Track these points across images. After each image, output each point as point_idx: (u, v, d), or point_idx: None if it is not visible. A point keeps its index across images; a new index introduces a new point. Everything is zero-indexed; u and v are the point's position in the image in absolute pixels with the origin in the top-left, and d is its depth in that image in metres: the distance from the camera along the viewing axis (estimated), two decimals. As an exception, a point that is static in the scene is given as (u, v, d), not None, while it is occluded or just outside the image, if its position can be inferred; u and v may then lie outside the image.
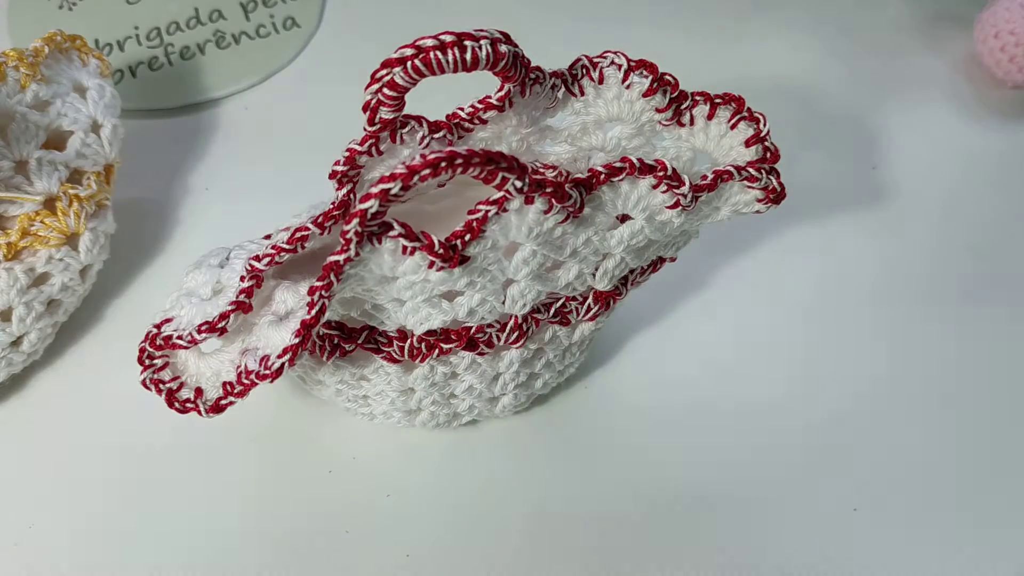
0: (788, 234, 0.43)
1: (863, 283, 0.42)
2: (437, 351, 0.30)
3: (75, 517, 0.35)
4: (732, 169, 0.29)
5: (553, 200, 0.26)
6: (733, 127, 0.31)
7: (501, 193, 0.26)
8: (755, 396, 0.38)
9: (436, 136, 0.29)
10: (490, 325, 0.30)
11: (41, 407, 0.38)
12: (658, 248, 0.32)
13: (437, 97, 0.32)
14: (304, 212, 0.32)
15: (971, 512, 0.36)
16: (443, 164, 0.23)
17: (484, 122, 0.30)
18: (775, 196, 0.30)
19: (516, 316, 0.30)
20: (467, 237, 0.26)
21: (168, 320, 0.30)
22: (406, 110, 0.28)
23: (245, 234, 0.33)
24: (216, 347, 0.30)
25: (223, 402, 0.29)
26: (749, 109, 0.31)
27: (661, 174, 0.28)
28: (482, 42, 0.25)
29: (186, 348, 0.30)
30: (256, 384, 0.28)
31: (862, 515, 0.36)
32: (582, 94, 0.31)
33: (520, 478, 0.36)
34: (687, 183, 0.28)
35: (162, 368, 0.30)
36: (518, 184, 0.25)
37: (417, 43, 0.25)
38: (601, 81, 0.31)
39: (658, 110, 0.31)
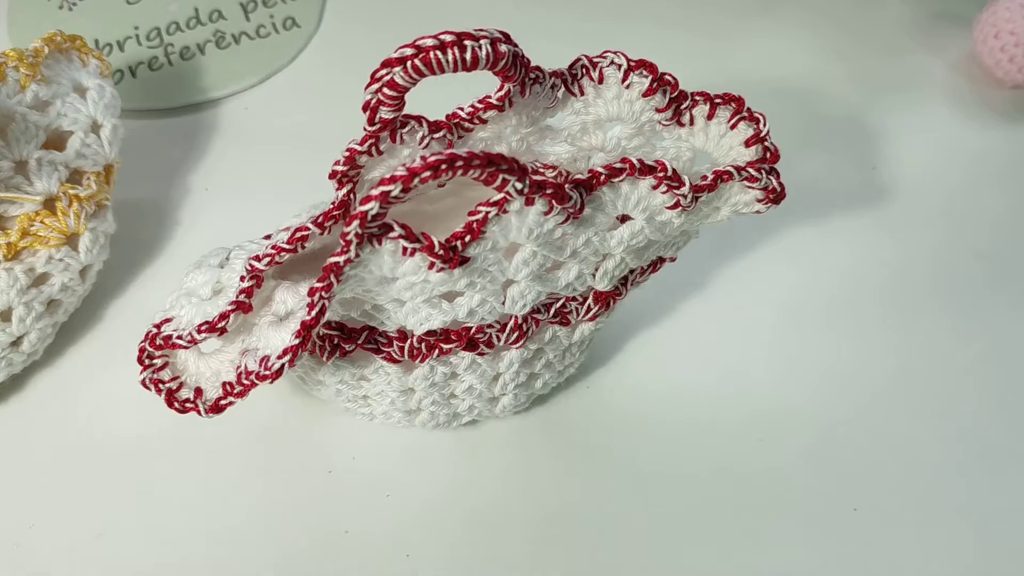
0: (788, 234, 0.43)
1: (863, 283, 0.42)
2: (437, 351, 0.30)
3: (75, 517, 0.35)
4: (732, 169, 0.29)
5: (553, 201, 0.26)
6: (733, 127, 0.31)
7: (501, 195, 0.26)
8: (754, 396, 0.38)
9: (436, 136, 0.29)
10: (490, 325, 0.30)
11: (41, 407, 0.38)
12: (658, 248, 0.32)
13: (437, 96, 0.32)
14: (304, 212, 0.32)
15: (972, 512, 0.36)
16: (443, 166, 0.23)
17: (484, 122, 0.30)
18: (775, 196, 0.30)
19: (516, 316, 0.30)
20: (467, 238, 0.26)
21: (168, 320, 0.30)
22: (406, 110, 0.28)
23: (245, 234, 0.33)
24: (216, 347, 0.30)
25: (223, 402, 0.29)
26: (749, 109, 0.31)
27: (661, 175, 0.28)
28: (482, 42, 0.25)
29: (186, 348, 0.30)
30: (256, 385, 0.28)
31: (862, 515, 0.36)
32: (582, 94, 0.31)
33: (520, 478, 0.36)
34: (687, 183, 0.28)
35: (162, 368, 0.30)
36: (518, 186, 0.25)
37: (417, 43, 0.25)
38: (601, 81, 0.31)
39: (658, 110, 0.31)
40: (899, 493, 0.36)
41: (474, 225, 0.26)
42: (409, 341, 0.30)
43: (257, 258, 0.28)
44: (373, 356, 0.31)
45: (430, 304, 0.28)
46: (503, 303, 0.29)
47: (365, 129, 0.28)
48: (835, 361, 0.39)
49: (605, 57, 0.30)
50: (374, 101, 0.27)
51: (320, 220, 0.29)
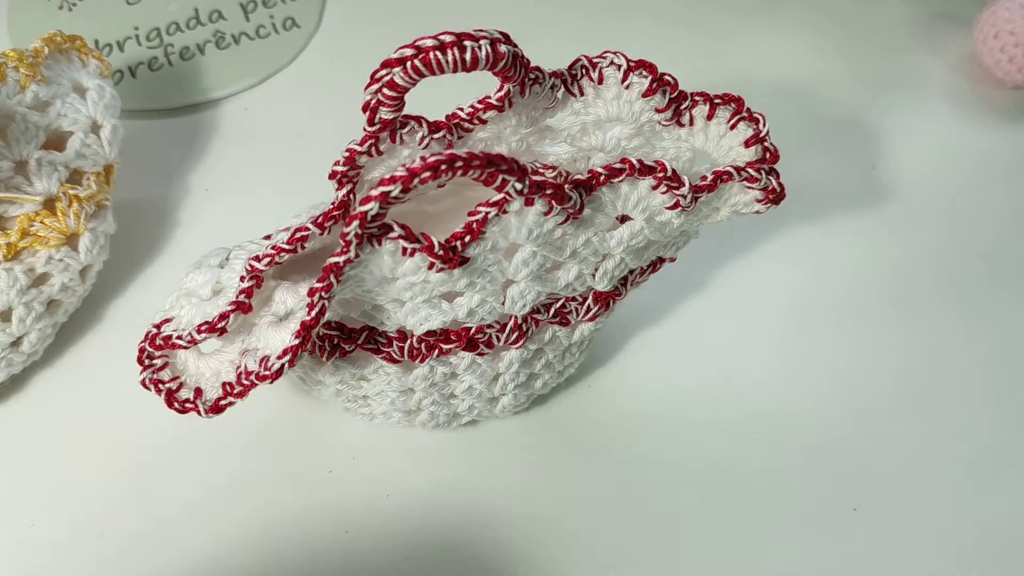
0: (788, 234, 0.43)
1: (863, 283, 0.42)
2: (437, 351, 0.30)
3: (75, 517, 0.35)
4: (732, 169, 0.29)
5: (553, 202, 0.26)
6: (733, 127, 0.31)
7: (501, 195, 0.26)
8: (754, 396, 0.38)
9: (436, 136, 0.29)
10: (490, 326, 0.30)
11: (41, 407, 0.38)
12: (658, 248, 0.32)
13: (437, 97, 0.32)
14: (304, 212, 0.32)
15: (972, 513, 0.36)
16: (443, 167, 0.23)
17: (484, 122, 0.30)
18: (775, 196, 0.30)
19: (516, 317, 0.30)
20: (467, 238, 0.26)
21: (168, 320, 0.30)
22: (406, 110, 0.28)
23: (245, 234, 0.33)
24: (216, 347, 0.30)
25: (222, 402, 0.29)
26: (748, 109, 0.31)
27: (661, 175, 0.28)
28: (482, 42, 0.25)
29: (186, 348, 0.30)
30: (256, 385, 0.28)
31: (862, 515, 0.36)
32: (581, 94, 0.31)
33: (519, 478, 0.36)
34: (687, 184, 0.28)
35: (162, 368, 0.30)
36: (518, 186, 0.25)
37: (417, 43, 0.25)
38: (600, 81, 0.31)
39: (658, 110, 0.31)
40: (899, 493, 0.36)
41: (474, 225, 0.26)
42: (409, 341, 0.30)
43: (257, 258, 0.28)
44: (373, 356, 0.31)
45: (430, 304, 0.28)
46: (503, 303, 0.29)
47: (365, 129, 0.28)
48: (835, 361, 0.39)
49: (605, 57, 0.30)
50: (374, 101, 0.27)
51: (320, 220, 0.29)
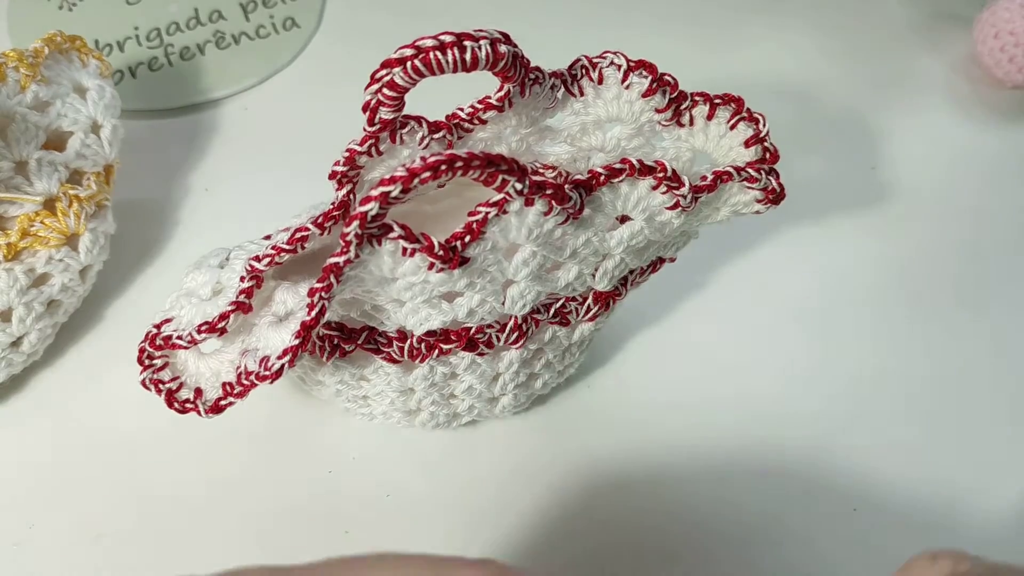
0: (788, 234, 0.43)
1: (863, 283, 0.42)
2: (437, 351, 0.30)
3: (75, 517, 0.35)
4: (731, 170, 0.29)
5: (553, 202, 0.26)
6: (732, 127, 0.31)
7: (501, 195, 0.26)
8: (754, 395, 0.38)
9: (436, 137, 0.29)
10: (490, 326, 0.30)
11: (41, 407, 0.38)
12: (658, 248, 0.32)
13: (437, 97, 0.32)
14: (304, 212, 0.32)
15: (972, 513, 0.36)
16: (443, 167, 0.23)
17: (484, 122, 0.30)
18: (774, 197, 0.30)
19: (516, 317, 0.30)
20: (467, 239, 0.26)
21: (168, 320, 0.30)
22: (406, 110, 0.28)
23: (245, 234, 0.33)
24: (216, 347, 0.30)
25: (222, 402, 0.29)
26: (748, 109, 0.31)
27: (661, 175, 0.28)
28: (481, 42, 0.25)
29: (186, 348, 0.30)
30: (256, 385, 0.28)
31: (862, 515, 0.36)
32: (581, 94, 0.31)
33: (519, 478, 0.36)
34: (687, 184, 0.28)
35: (162, 368, 0.30)
36: (518, 186, 0.25)
37: (417, 43, 0.25)
38: (600, 81, 0.31)
39: (657, 110, 0.31)
40: (899, 493, 0.36)
41: (474, 225, 0.26)
42: (409, 341, 0.30)
43: (257, 258, 0.28)
44: (373, 356, 0.31)
45: (430, 304, 0.28)
46: (503, 303, 0.29)
47: (365, 129, 0.28)
48: (835, 360, 0.39)
49: (605, 57, 0.30)
50: (374, 101, 0.27)
51: (320, 220, 0.29)
